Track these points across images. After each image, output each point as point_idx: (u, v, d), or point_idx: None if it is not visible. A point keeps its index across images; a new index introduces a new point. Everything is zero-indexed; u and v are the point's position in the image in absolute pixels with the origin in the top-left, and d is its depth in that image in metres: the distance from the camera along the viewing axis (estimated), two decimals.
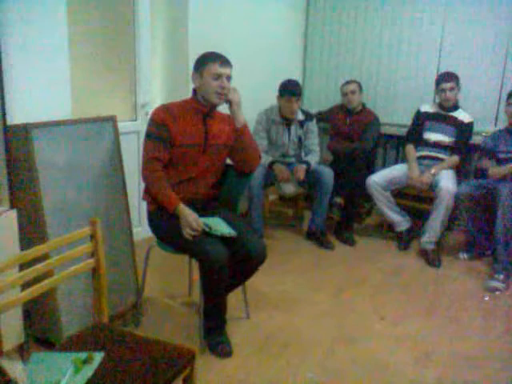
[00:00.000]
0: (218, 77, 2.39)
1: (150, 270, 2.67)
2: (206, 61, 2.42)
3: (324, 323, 2.83)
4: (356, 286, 3.34)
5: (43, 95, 2.54)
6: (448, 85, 3.85)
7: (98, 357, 1.61)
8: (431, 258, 3.70)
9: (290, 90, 3.78)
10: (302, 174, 3.79)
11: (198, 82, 2.46)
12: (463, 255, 3.80)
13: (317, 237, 4.02)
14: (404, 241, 3.99)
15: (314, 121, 4.09)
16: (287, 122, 3.94)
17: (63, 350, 1.67)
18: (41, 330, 2.44)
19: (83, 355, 1.61)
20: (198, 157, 2.49)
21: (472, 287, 3.36)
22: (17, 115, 2.35)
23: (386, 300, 3.14)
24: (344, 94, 4.38)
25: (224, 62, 2.41)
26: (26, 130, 2.18)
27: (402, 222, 4.00)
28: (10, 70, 2.33)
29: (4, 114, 2.22)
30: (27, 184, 2.24)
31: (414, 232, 4.02)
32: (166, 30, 3.84)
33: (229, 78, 2.43)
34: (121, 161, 2.66)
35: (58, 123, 2.35)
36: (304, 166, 3.83)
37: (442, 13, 4.44)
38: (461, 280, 3.47)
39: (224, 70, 2.40)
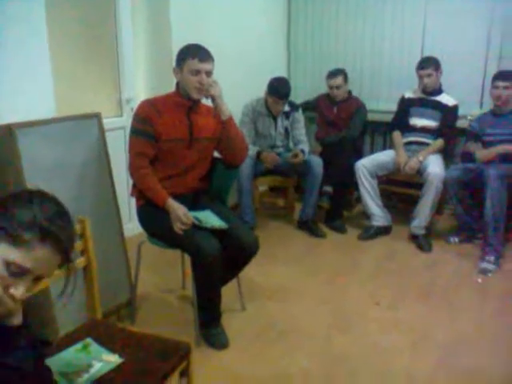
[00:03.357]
0: (197, 73, 2.37)
1: (142, 265, 2.67)
2: (185, 56, 2.39)
3: (319, 311, 2.85)
4: (349, 272, 3.35)
5: (26, 94, 2.50)
6: (424, 72, 3.86)
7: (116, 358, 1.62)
8: (422, 243, 3.72)
9: (278, 92, 3.78)
10: (301, 157, 3.82)
11: (179, 77, 2.44)
12: (454, 239, 3.82)
13: (308, 226, 4.03)
14: (368, 234, 3.94)
15: (300, 111, 4.10)
16: (273, 113, 3.94)
17: (60, 348, 1.65)
18: (36, 328, 2.42)
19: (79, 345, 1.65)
20: (184, 151, 2.48)
21: (464, 270, 3.38)
22: (0, 116, 2.32)
23: (379, 285, 3.16)
24: (329, 87, 4.35)
25: (203, 57, 2.37)
26: (9, 130, 2.15)
27: (380, 218, 3.93)
28: None
29: None
30: (13, 185, 2.21)
31: (384, 231, 3.99)
32: (148, 23, 3.79)
33: (209, 72, 2.40)
34: (107, 157, 2.64)
35: (42, 122, 2.32)
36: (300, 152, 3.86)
37: None
38: (453, 263, 3.50)
39: (203, 66, 2.36)
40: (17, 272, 1.08)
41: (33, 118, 2.35)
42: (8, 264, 1.07)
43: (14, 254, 1.07)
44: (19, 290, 1.08)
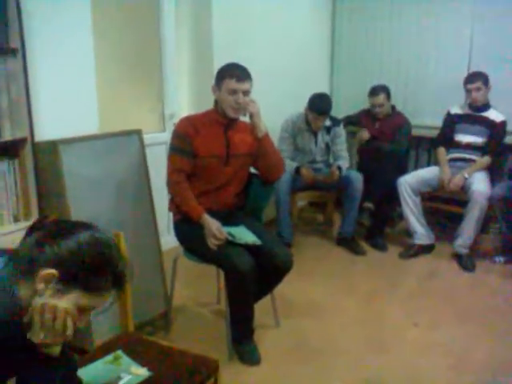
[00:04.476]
0: (234, 92, 2.41)
1: (178, 278, 2.71)
2: (223, 75, 2.44)
3: (355, 330, 2.80)
4: (388, 291, 3.28)
5: (70, 111, 2.63)
6: (473, 85, 3.75)
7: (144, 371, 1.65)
8: (465, 263, 3.61)
9: (319, 109, 3.77)
10: (336, 175, 3.79)
11: (217, 95, 2.49)
12: (499, 259, 3.69)
13: (347, 243, 3.98)
14: (410, 253, 3.85)
15: (341, 126, 4.07)
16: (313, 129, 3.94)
17: (92, 359, 1.70)
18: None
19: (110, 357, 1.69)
20: (220, 167, 2.52)
21: (508, 292, 3.25)
22: (45, 132, 2.43)
23: (419, 306, 3.08)
24: (372, 106, 4.30)
25: (241, 77, 2.40)
26: (53, 146, 2.26)
27: (422, 236, 3.83)
28: (37, 89, 2.42)
29: (32, 132, 2.30)
30: (56, 198, 2.31)
31: (426, 250, 3.89)
32: (191, 39, 3.88)
33: (246, 92, 2.44)
34: (147, 173, 2.71)
35: (84, 138, 2.42)
36: (336, 169, 3.83)
37: (470, 10, 4.36)
38: (497, 285, 3.37)
39: (240, 86, 2.40)
40: (85, 311, 1.16)
41: (77, 133, 2.46)
42: (79, 307, 1.13)
43: (87, 300, 1.13)
44: (83, 323, 1.16)
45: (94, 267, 1.13)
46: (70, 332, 1.13)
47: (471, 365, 2.47)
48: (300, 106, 3.96)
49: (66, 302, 1.11)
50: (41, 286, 1.09)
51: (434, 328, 2.82)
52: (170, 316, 2.78)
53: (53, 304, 1.09)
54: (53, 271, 1.09)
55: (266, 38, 4.21)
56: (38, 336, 1.11)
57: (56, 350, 1.18)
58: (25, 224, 2.22)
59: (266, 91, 3.66)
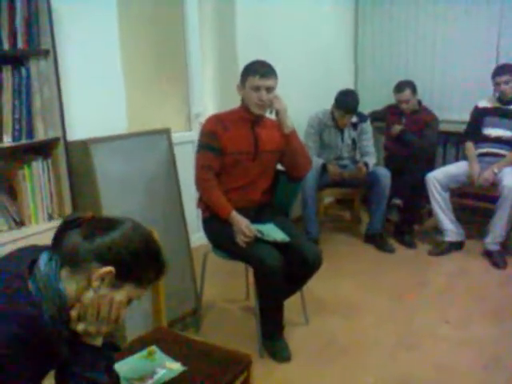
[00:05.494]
0: (257, 89, 2.42)
1: (208, 275, 2.73)
2: (247, 73, 2.46)
3: (385, 327, 2.78)
4: (418, 289, 3.25)
5: (101, 111, 2.68)
6: (503, 78, 3.68)
7: (178, 366, 1.66)
8: (496, 259, 3.54)
9: (346, 107, 3.76)
10: (364, 171, 3.78)
11: (242, 93, 2.51)
12: None
13: (376, 240, 3.95)
14: (440, 250, 3.80)
15: (368, 122, 4.04)
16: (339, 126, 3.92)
17: (127, 354, 1.72)
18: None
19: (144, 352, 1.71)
20: (249, 164, 2.53)
21: None
22: (77, 132, 2.48)
23: (449, 303, 3.04)
24: (398, 102, 4.26)
25: (264, 74, 2.41)
26: (85, 145, 2.30)
27: (452, 233, 3.77)
28: (68, 89, 2.46)
29: (65, 131, 2.35)
30: (88, 196, 2.35)
31: (456, 247, 3.83)
32: (215, 40, 3.90)
33: (270, 88, 2.44)
34: (175, 171, 2.74)
35: (114, 138, 2.46)
36: (363, 165, 3.82)
37: (499, 3, 4.27)
38: None
39: (263, 83, 2.41)
40: (131, 301, 1.22)
41: (107, 133, 2.50)
42: (129, 299, 1.20)
43: (137, 293, 1.20)
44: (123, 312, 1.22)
45: (145, 258, 1.18)
46: (121, 321, 1.21)
47: (503, 363, 2.43)
48: (325, 102, 3.95)
49: (121, 294, 1.17)
50: (96, 282, 1.13)
51: (466, 326, 2.78)
52: (200, 313, 2.80)
53: (110, 298, 1.15)
54: (110, 269, 1.12)
55: (290, 35, 4.20)
56: (90, 327, 1.17)
57: (99, 341, 1.22)
58: (59, 222, 2.26)
59: (291, 88, 3.65)
